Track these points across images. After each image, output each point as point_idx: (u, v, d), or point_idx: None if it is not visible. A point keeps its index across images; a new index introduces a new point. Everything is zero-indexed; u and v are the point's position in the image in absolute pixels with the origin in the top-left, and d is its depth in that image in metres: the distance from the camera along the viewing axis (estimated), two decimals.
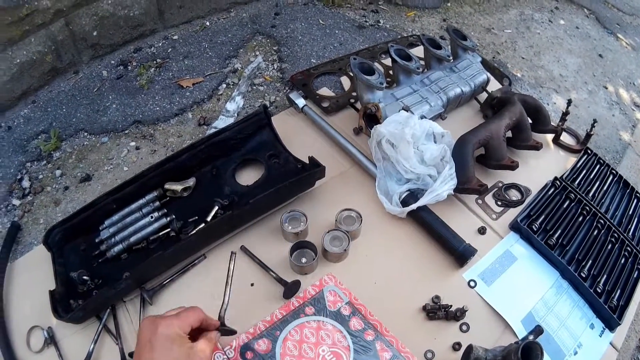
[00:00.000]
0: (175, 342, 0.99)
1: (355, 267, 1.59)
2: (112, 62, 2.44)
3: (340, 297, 1.48)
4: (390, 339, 1.40)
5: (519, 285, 1.60)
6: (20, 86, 2.16)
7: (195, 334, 1.10)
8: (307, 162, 1.73)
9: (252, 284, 1.51)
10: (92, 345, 1.35)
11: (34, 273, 1.54)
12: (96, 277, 1.48)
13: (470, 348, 1.29)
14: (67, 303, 1.40)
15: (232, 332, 1.20)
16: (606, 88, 2.88)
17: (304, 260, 1.56)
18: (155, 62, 2.44)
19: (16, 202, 1.85)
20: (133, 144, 2.08)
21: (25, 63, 2.12)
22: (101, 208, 1.61)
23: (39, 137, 2.07)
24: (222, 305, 1.20)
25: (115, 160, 2.01)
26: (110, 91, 2.29)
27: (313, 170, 1.65)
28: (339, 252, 1.55)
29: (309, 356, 1.34)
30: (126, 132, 2.13)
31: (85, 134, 2.11)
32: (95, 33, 2.34)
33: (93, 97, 2.26)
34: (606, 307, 1.56)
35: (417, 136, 1.68)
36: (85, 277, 1.45)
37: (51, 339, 1.38)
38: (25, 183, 1.91)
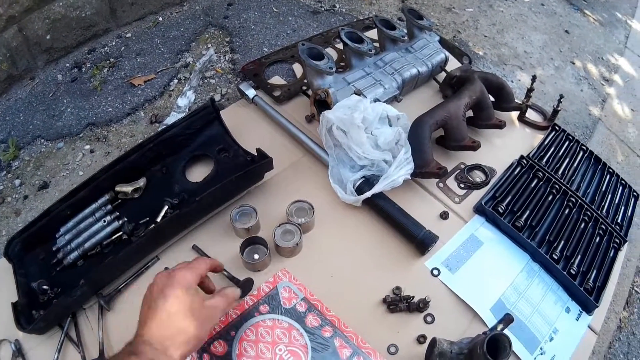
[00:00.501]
0: (189, 292, 1.00)
1: (310, 261, 1.52)
2: (67, 65, 2.40)
3: (295, 294, 1.42)
4: (349, 334, 1.34)
5: (486, 271, 1.54)
6: None
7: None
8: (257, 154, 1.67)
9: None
10: (56, 354, 1.33)
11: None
12: (55, 286, 1.44)
13: (433, 342, 1.22)
14: (29, 314, 1.37)
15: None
16: (573, 63, 2.84)
17: (256, 256, 1.49)
18: (108, 62, 2.40)
19: None
20: (88, 147, 2.05)
21: None
22: (56, 215, 1.56)
23: None
24: None
25: (71, 165, 1.99)
26: (65, 95, 2.25)
27: (260, 163, 1.59)
28: (291, 246, 1.48)
29: (265, 356, 1.29)
30: (81, 135, 2.10)
31: (42, 140, 2.09)
32: (48, 37, 2.30)
33: (49, 103, 2.22)
34: (582, 289, 1.49)
35: (370, 120, 1.61)
36: (45, 287, 1.42)
37: (19, 352, 1.36)
38: None
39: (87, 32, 2.46)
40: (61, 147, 2.05)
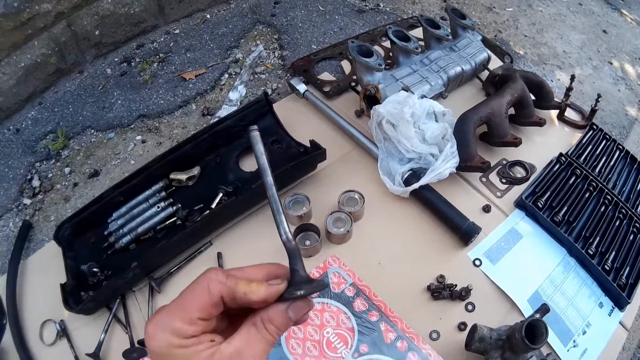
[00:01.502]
0: (174, 356, 0.53)
1: (359, 248, 1.58)
2: (116, 59, 2.44)
3: (344, 279, 1.47)
4: (394, 319, 1.39)
5: (525, 263, 1.59)
6: (27, 89, 2.18)
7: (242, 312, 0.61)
8: (309, 146, 1.72)
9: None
10: (102, 335, 1.37)
11: (46, 269, 1.56)
12: (106, 269, 1.51)
13: (474, 327, 1.28)
14: (77, 295, 1.42)
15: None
16: (611, 64, 2.84)
17: (307, 243, 1.56)
18: (157, 57, 2.44)
19: (27, 201, 1.88)
20: (139, 137, 2.09)
21: (30, 66, 2.12)
22: (109, 201, 1.62)
23: (47, 137, 2.09)
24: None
25: (122, 155, 2.02)
26: (115, 88, 2.30)
27: (314, 153, 1.65)
28: (342, 234, 1.54)
29: (313, 338, 1.34)
30: (132, 126, 2.14)
31: (92, 130, 2.13)
32: (97, 32, 2.34)
33: (98, 95, 2.27)
34: (615, 285, 1.53)
35: (418, 115, 1.67)
36: (95, 269, 1.47)
37: (63, 332, 1.40)
38: (35, 182, 1.94)
39: (135, 28, 2.50)
40: (112, 137, 2.10)
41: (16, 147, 2.05)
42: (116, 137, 2.10)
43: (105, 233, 1.59)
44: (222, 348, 0.55)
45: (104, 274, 1.49)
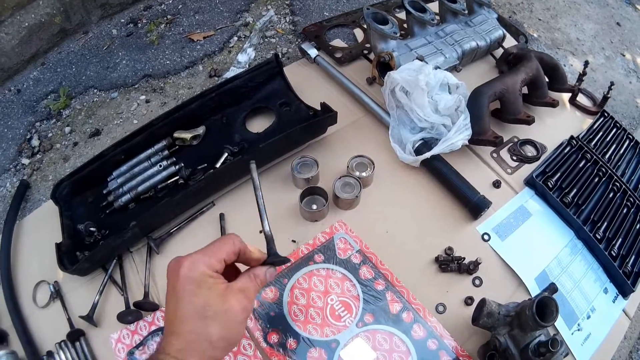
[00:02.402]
0: (203, 285, 0.79)
1: (367, 215, 1.56)
2: (122, 20, 2.41)
3: (350, 245, 1.45)
4: (401, 289, 1.37)
5: (533, 241, 1.56)
6: (29, 49, 2.15)
7: (235, 271, 0.94)
8: (319, 109, 1.70)
9: (260, 231, 1.48)
10: (97, 297, 1.35)
11: (42, 229, 1.54)
12: (103, 228, 1.48)
13: (483, 302, 1.25)
14: (73, 255, 1.41)
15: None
16: (624, 55, 2.82)
17: (314, 207, 1.53)
18: (165, 18, 2.41)
19: (25, 161, 1.87)
20: (143, 97, 2.07)
21: (34, 26, 2.10)
22: (109, 159, 1.60)
23: (49, 97, 2.08)
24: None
25: (125, 114, 2.01)
26: (120, 48, 2.28)
27: (325, 116, 1.62)
28: (350, 199, 1.52)
29: (317, 305, 1.32)
30: (136, 86, 2.12)
31: (95, 90, 2.11)
32: None
33: (103, 55, 2.24)
34: (620, 272, 1.52)
35: (432, 85, 1.63)
36: (92, 229, 1.45)
37: (57, 293, 1.39)
38: (35, 142, 1.93)
39: None
40: (115, 97, 2.07)
41: (16, 108, 2.03)
42: (119, 97, 2.07)
43: (105, 192, 1.56)
44: (232, 285, 0.84)
45: (102, 233, 1.46)
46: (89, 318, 1.31)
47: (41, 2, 2.08)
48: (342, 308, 1.32)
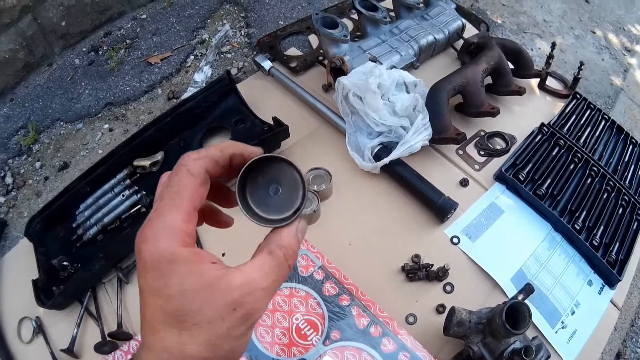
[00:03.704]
0: (174, 273, 0.45)
1: (328, 229, 1.51)
2: (84, 49, 2.41)
3: (312, 262, 1.40)
4: (367, 303, 1.32)
5: (507, 240, 1.51)
6: None
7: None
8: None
9: (223, 254, 1.45)
10: (75, 329, 1.36)
11: (21, 265, 1.54)
12: (76, 262, 1.48)
13: (452, 310, 1.19)
14: (50, 290, 1.42)
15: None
16: (594, 33, 2.78)
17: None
18: (124, 43, 2.41)
19: (1, 199, 1.89)
20: (106, 126, 2.08)
21: None
22: (76, 192, 1.60)
23: (19, 132, 2.09)
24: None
25: (90, 145, 2.02)
26: (83, 78, 2.28)
27: (276, 130, 1.60)
28: (308, 214, 1.47)
29: (282, 325, 1.28)
30: (99, 115, 2.13)
31: (62, 123, 2.12)
32: (63, 23, 2.31)
33: (67, 86, 2.25)
34: (604, 261, 1.45)
35: (386, 86, 1.58)
36: (65, 263, 1.45)
37: (39, 328, 1.40)
38: (9, 179, 1.94)
39: (102, 16, 2.46)
40: (80, 128, 2.08)
41: None
42: (84, 128, 2.09)
43: (74, 225, 1.55)
44: (231, 276, 0.47)
45: (74, 267, 1.46)
46: (69, 351, 1.31)
47: (3, 39, 2.09)
48: (308, 327, 1.28)
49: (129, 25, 2.50)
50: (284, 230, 0.53)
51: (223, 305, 0.45)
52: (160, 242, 0.45)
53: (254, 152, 0.53)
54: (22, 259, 1.53)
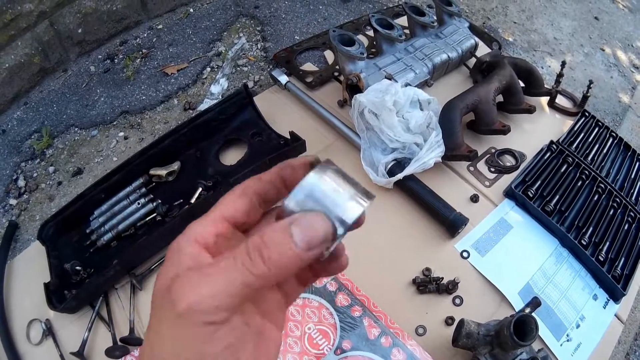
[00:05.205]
0: (192, 319, 0.38)
1: (341, 241, 1.51)
2: (99, 56, 2.43)
3: None
4: (378, 314, 1.35)
5: (515, 255, 1.54)
6: (12, 89, 2.18)
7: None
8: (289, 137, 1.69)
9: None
10: (86, 333, 1.37)
11: (32, 268, 1.56)
12: (89, 267, 1.50)
13: (462, 323, 1.22)
14: (61, 294, 1.42)
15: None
16: (603, 50, 2.80)
17: None
18: (140, 52, 2.43)
19: (13, 201, 1.90)
20: (121, 134, 2.09)
21: (14, 67, 2.13)
22: (90, 199, 1.61)
23: (32, 136, 2.10)
24: None
25: (105, 152, 2.03)
26: (98, 85, 2.30)
27: (293, 145, 1.63)
28: None
29: (295, 334, 1.31)
30: (114, 123, 2.14)
31: (76, 129, 2.13)
32: (80, 30, 2.33)
33: (82, 93, 2.27)
34: (609, 276, 1.48)
35: (401, 104, 1.62)
36: (77, 268, 1.47)
37: (49, 331, 1.41)
38: (21, 182, 1.95)
39: (118, 25, 2.49)
40: (95, 135, 2.09)
41: (2, 148, 2.06)
42: (99, 135, 2.10)
43: (88, 231, 1.57)
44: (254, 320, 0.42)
45: (87, 272, 1.48)
46: (80, 354, 1.32)
47: (20, 43, 2.11)
48: (320, 336, 1.30)
49: (145, 35, 2.53)
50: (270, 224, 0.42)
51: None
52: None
53: (301, 159, 0.46)
54: (33, 262, 1.56)
